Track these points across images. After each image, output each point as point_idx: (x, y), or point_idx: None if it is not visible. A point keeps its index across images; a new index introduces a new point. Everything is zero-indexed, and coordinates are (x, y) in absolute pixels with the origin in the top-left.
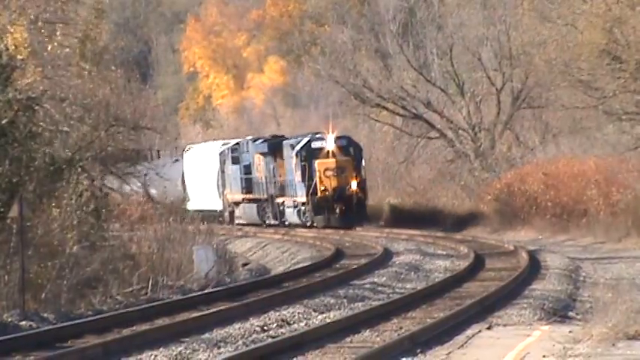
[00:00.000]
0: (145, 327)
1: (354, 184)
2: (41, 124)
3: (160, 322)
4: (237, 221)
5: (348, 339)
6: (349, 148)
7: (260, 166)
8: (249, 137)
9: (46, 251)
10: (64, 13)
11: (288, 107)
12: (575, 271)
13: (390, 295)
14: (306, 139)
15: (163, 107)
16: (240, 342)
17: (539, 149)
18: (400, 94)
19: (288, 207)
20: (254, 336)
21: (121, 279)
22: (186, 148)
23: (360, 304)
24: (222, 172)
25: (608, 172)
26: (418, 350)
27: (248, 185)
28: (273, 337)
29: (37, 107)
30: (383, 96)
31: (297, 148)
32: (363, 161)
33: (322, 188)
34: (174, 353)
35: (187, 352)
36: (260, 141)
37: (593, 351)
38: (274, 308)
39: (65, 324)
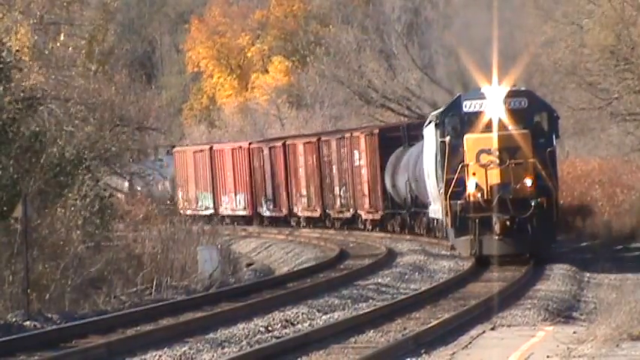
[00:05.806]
0: (149, 327)
1: (528, 181)
2: (46, 123)
3: (165, 322)
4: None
5: (352, 339)
6: (531, 113)
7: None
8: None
9: (50, 251)
10: (69, 15)
11: (292, 108)
12: (579, 272)
13: (395, 296)
14: (453, 99)
15: (167, 107)
16: (244, 342)
17: None
18: (405, 95)
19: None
20: (258, 336)
21: (126, 279)
22: (426, 122)
23: (364, 304)
24: (436, 157)
25: (612, 173)
26: (422, 351)
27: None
28: (278, 338)
29: (41, 107)
30: (388, 96)
31: (436, 113)
32: (555, 141)
33: (472, 187)
34: (179, 353)
35: (191, 352)
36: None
37: (597, 352)
38: (278, 309)
39: (69, 324)
